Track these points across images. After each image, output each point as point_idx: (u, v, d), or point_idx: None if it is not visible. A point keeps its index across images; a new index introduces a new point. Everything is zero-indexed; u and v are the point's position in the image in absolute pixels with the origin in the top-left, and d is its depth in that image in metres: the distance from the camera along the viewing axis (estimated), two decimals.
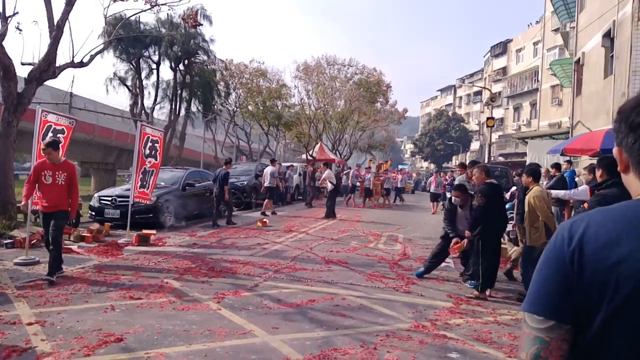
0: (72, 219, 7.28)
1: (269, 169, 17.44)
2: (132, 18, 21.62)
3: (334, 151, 36.58)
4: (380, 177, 23.88)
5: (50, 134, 8.22)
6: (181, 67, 28.61)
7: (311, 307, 5.81)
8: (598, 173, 4.96)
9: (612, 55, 14.53)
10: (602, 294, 1.07)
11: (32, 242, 8.58)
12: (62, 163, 6.91)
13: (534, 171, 7.12)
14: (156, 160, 10.89)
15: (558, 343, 1.12)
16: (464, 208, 7.59)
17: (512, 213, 10.02)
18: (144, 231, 10.35)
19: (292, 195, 22.92)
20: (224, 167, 13.98)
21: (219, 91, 32.08)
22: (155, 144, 10.84)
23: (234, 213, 14.38)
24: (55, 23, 9.77)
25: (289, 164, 24.97)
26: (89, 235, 9.82)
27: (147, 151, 10.63)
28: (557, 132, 24.14)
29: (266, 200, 16.77)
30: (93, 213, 12.22)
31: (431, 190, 22.12)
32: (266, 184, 17.12)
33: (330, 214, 16.22)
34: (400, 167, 44.41)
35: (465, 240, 7.16)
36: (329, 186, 16.72)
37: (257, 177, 19.45)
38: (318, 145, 32.32)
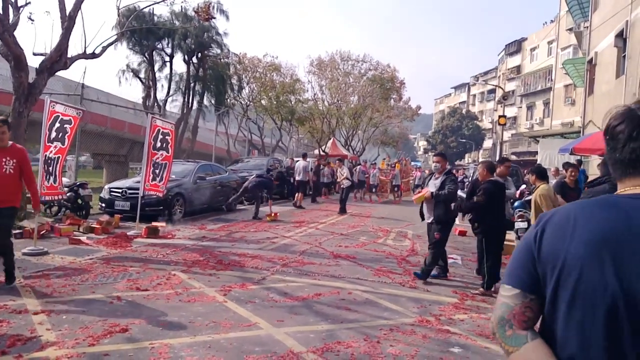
0: (38, 211, 6.18)
1: (301, 164, 18.28)
2: (146, 10, 21.73)
3: (346, 147, 36.53)
4: (389, 174, 24.28)
5: (57, 124, 8.25)
6: (194, 60, 28.69)
7: (317, 300, 5.80)
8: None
9: (624, 56, 14.39)
10: (552, 270, 1.25)
11: (41, 232, 8.66)
12: (10, 147, 5.69)
13: (539, 170, 7.12)
14: (168, 153, 10.90)
15: (522, 309, 1.32)
16: (439, 176, 7.36)
17: (522, 211, 9.94)
18: (154, 223, 10.40)
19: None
20: (272, 177, 15.03)
21: (232, 85, 32.13)
22: (167, 137, 10.85)
23: (244, 207, 14.46)
24: (67, 14, 9.80)
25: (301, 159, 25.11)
26: (98, 226, 9.88)
27: (159, 144, 10.64)
28: (569, 132, 23.91)
29: (299, 194, 17.67)
30: (103, 205, 12.30)
31: None
32: (298, 177, 17.95)
33: (343, 210, 16.23)
34: (413, 164, 44.28)
35: (426, 191, 7.27)
36: (346, 182, 16.77)
37: (269, 172, 19.48)
38: (331, 140, 32.31)
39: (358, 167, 24.68)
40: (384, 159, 34.57)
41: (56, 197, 9.30)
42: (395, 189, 24.11)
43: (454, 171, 25.34)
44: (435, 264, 7.24)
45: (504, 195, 7.11)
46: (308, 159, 19.44)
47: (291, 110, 31.79)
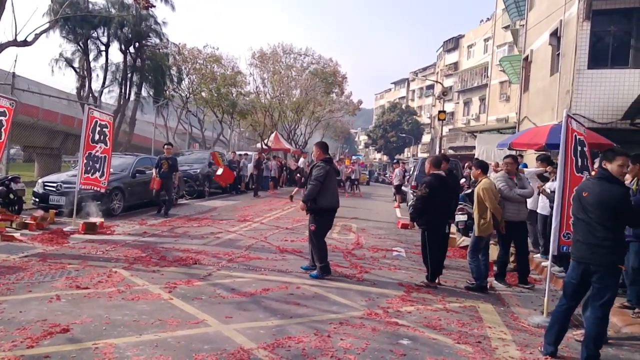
0: None
1: (301, 160, 20.87)
2: None
3: (289, 140, 36.49)
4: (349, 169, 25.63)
5: None
6: (132, 49, 27.71)
7: (265, 296, 5.78)
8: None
9: (559, 54, 15.02)
10: None
11: None
12: None
13: (483, 164, 7.37)
14: (107, 145, 10.51)
15: None
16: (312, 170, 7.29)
17: (462, 204, 10.31)
18: (91, 219, 10.01)
19: (246, 185, 22.69)
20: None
21: (172, 76, 31.25)
22: (104, 129, 10.45)
23: (185, 202, 14.11)
24: None
25: (243, 152, 24.82)
26: (32, 222, 9.38)
27: (97, 136, 10.23)
28: (505, 127, 24.87)
29: (296, 188, 18.78)
30: (37, 199, 11.70)
31: (395, 183, 21.08)
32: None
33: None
34: (354, 158, 44.90)
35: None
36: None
37: (211, 166, 19.14)
38: (273, 134, 32.15)
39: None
40: (332, 153, 34.94)
41: None
42: (353, 182, 25.87)
43: (403, 164, 25.46)
44: (325, 257, 6.97)
45: (448, 188, 7.28)
46: (234, 152, 21.40)
47: (232, 103, 31.33)
